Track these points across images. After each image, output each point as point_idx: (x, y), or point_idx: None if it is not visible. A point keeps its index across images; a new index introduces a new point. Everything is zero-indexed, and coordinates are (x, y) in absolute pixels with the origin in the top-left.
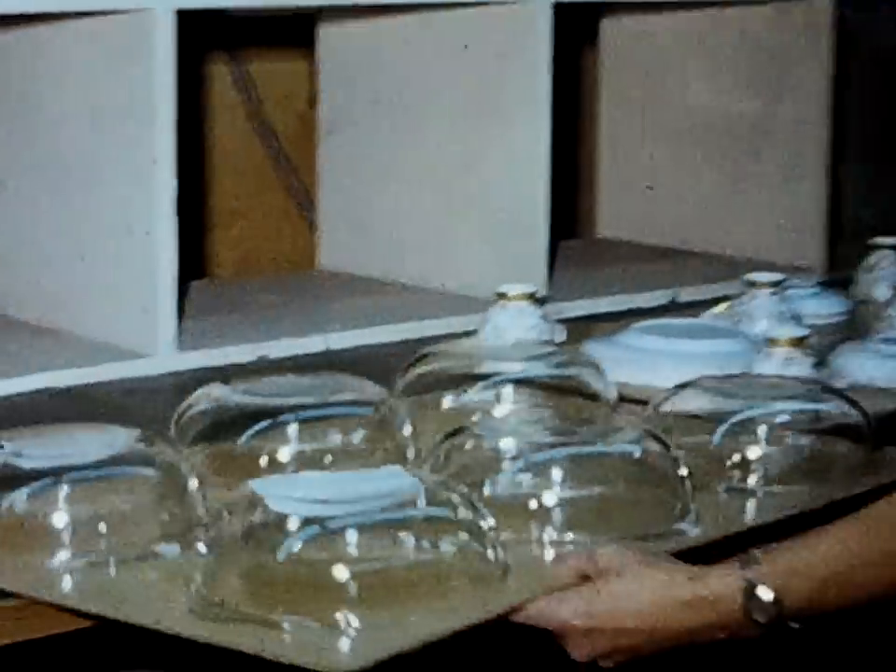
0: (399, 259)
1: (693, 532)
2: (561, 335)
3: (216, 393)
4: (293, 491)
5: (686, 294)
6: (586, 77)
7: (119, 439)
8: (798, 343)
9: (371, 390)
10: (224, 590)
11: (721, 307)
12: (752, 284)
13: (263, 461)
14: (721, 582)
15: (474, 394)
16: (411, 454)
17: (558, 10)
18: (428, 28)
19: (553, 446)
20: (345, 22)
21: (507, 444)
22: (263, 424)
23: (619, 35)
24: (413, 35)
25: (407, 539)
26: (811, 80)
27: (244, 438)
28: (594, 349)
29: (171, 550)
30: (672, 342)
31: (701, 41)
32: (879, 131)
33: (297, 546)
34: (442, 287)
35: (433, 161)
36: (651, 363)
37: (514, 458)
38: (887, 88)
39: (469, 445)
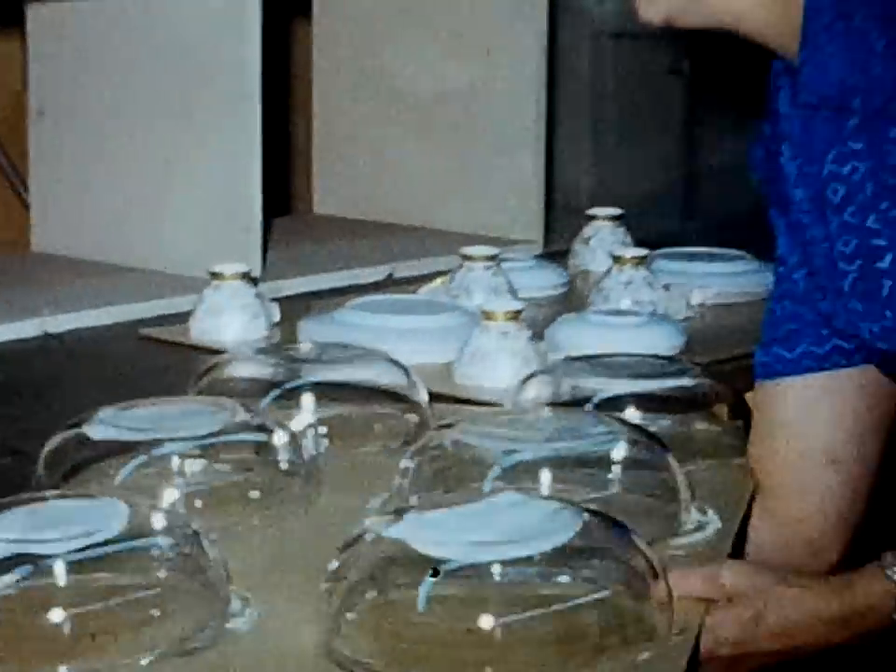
0: (114, 241)
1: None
2: (275, 314)
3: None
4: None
5: (403, 269)
6: (299, 51)
7: None
8: (514, 316)
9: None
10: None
11: (438, 281)
12: (468, 258)
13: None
14: (870, 592)
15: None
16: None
17: None
18: (135, 8)
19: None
20: (53, 3)
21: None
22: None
23: (329, 7)
24: (121, 16)
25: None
26: (525, 50)
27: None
28: (310, 328)
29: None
30: (388, 318)
31: (412, 13)
32: (594, 100)
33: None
34: (161, 268)
35: (145, 141)
36: (368, 340)
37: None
38: (599, 56)
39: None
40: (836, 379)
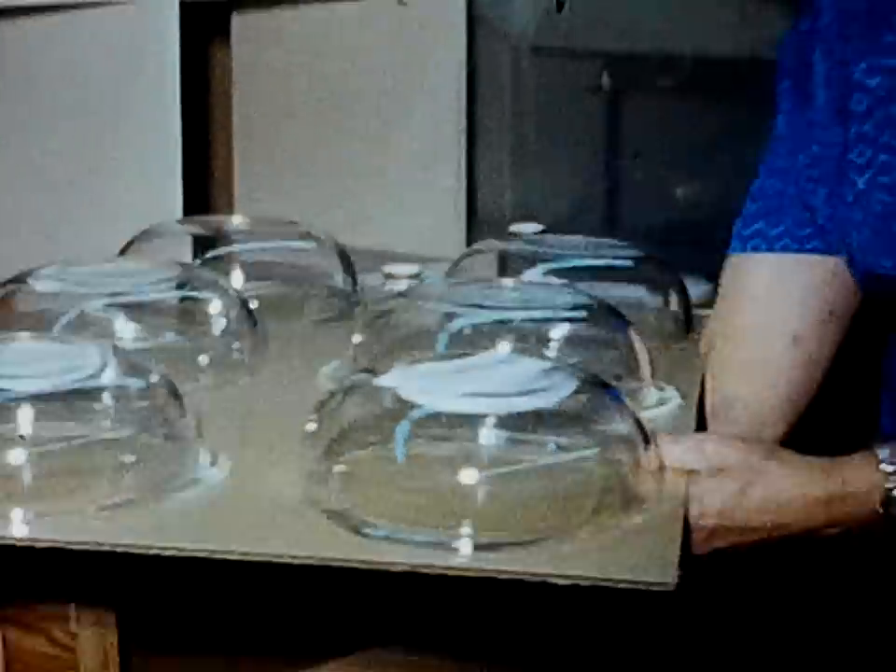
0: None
1: None
2: None
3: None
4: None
5: None
6: (219, 72)
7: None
8: None
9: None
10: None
11: None
12: (390, 276)
13: None
14: (860, 478)
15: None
16: None
17: (185, 9)
18: (56, 28)
19: None
20: None
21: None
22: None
23: (250, 31)
24: (40, 35)
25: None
26: (444, 66)
27: None
28: None
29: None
30: None
31: (331, 31)
32: (514, 116)
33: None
34: None
35: (63, 163)
36: None
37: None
38: (519, 71)
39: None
40: (810, 261)
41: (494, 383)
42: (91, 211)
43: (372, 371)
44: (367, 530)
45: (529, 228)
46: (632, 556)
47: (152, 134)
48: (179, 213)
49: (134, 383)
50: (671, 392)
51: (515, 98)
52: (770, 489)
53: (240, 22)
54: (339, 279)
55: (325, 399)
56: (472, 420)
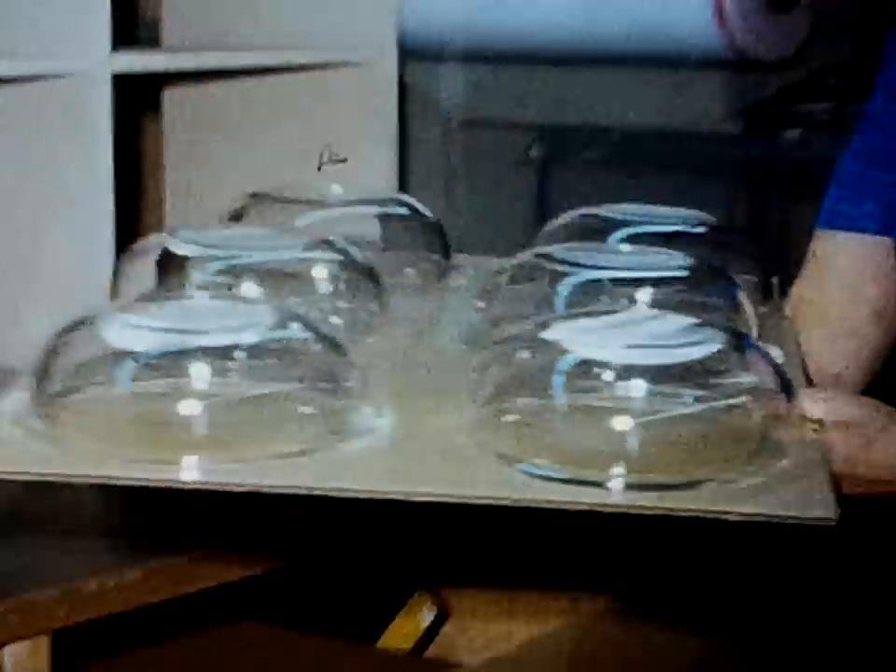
0: None
1: None
2: None
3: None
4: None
5: None
6: (150, 146)
7: None
8: None
9: None
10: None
11: None
12: None
13: None
14: None
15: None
16: None
17: (118, 81)
18: None
19: None
20: None
21: None
22: None
23: (182, 104)
24: None
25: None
26: (376, 138)
27: None
28: None
29: None
30: None
31: (261, 104)
32: (446, 188)
33: None
34: (18, 364)
35: None
36: None
37: None
38: (449, 143)
39: None
40: (889, 243)
41: (648, 336)
42: (23, 285)
43: (534, 326)
44: (533, 471)
45: None
46: (789, 495)
47: (84, 208)
48: (108, 286)
49: (303, 339)
50: (777, 351)
51: (446, 169)
52: (889, 448)
53: (171, 95)
54: (436, 247)
55: (488, 352)
56: (631, 369)
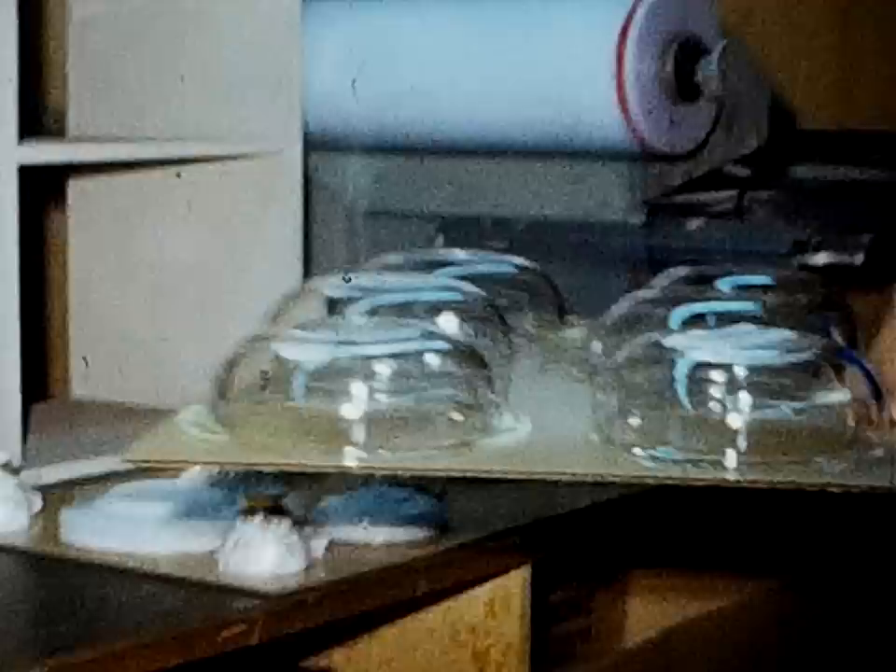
0: None
1: None
2: (37, 503)
3: None
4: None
5: None
6: (55, 234)
7: None
8: (276, 501)
9: None
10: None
11: (198, 467)
12: None
13: None
14: None
15: None
16: None
17: (23, 173)
18: None
19: None
20: None
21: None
22: None
23: (87, 195)
24: None
25: None
26: (279, 228)
27: None
28: (72, 518)
29: None
30: (151, 505)
31: (166, 194)
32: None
33: None
34: None
35: None
36: (130, 530)
37: None
38: (353, 234)
39: None
40: None
41: (756, 343)
42: None
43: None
44: (658, 455)
45: None
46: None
47: None
48: (16, 380)
49: (450, 352)
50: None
51: (350, 261)
52: None
53: (76, 186)
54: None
55: (614, 361)
56: (741, 370)
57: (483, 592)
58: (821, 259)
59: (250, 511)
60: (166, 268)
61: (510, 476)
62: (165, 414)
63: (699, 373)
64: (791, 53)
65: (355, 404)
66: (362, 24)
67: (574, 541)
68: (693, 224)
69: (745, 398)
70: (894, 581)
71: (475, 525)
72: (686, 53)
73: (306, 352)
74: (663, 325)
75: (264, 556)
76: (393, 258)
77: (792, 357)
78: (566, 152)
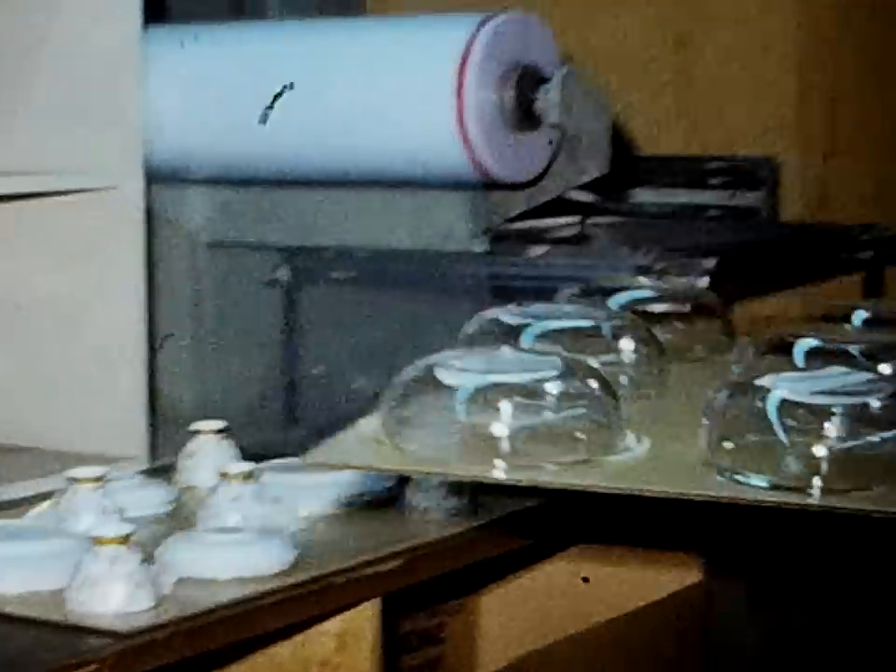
0: None
1: None
2: None
3: None
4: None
5: (5, 493)
6: None
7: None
8: (123, 540)
9: None
10: None
11: (45, 505)
12: (73, 479)
13: None
14: None
15: None
16: None
17: None
18: None
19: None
20: None
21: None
22: None
23: None
24: None
25: None
26: (123, 262)
27: None
28: None
29: None
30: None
31: (12, 233)
32: (193, 312)
33: None
34: None
35: None
36: None
37: None
38: (196, 266)
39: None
40: None
41: (840, 384)
42: None
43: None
44: (744, 480)
45: (212, 425)
46: None
47: None
48: None
49: (582, 381)
50: None
51: (194, 293)
52: None
53: None
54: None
55: (714, 397)
56: (827, 408)
57: (333, 625)
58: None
59: (98, 549)
60: (9, 301)
61: (622, 492)
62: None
63: (790, 408)
64: (630, 80)
65: (502, 423)
66: (202, 58)
67: (425, 571)
68: (537, 251)
69: (830, 429)
70: None
71: (325, 560)
72: (526, 82)
73: (461, 378)
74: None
75: (113, 594)
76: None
77: (875, 395)
78: (409, 182)
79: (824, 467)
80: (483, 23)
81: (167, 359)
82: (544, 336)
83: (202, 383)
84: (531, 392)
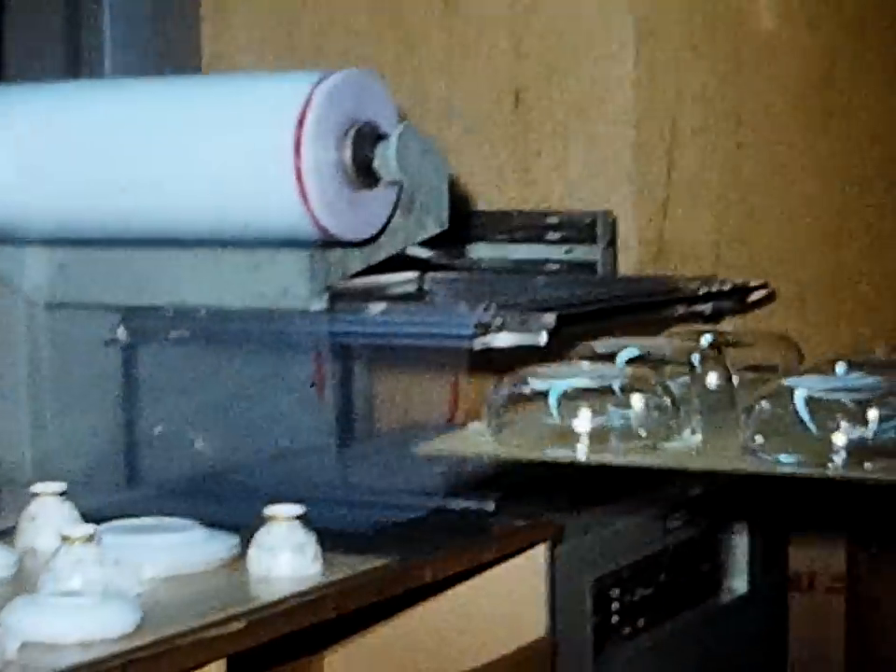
0: None
1: None
2: None
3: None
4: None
5: None
6: None
7: None
8: None
9: None
10: None
11: None
12: None
13: None
14: None
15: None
16: None
17: None
18: None
19: None
20: None
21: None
22: None
23: None
24: None
25: None
26: None
27: None
28: None
29: None
30: None
31: None
32: (31, 373)
33: None
34: None
35: None
36: None
37: None
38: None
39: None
40: None
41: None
42: None
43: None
44: (772, 457)
45: (52, 487)
46: None
47: None
48: None
49: (652, 390)
50: None
51: (30, 354)
52: None
53: None
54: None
55: (751, 402)
56: (857, 401)
57: None
58: (504, 340)
59: None
60: None
61: (672, 468)
62: None
63: (813, 404)
64: (468, 135)
65: (583, 420)
66: (37, 116)
67: (270, 631)
68: (376, 308)
69: (845, 421)
70: None
71: (169, 622)
72: (364, 139)
73: (550, 383)
74: None
75: None
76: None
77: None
78: (248, 241)
79: (844, 448)
80: (319, 81)
81: (4, 422)
82: (631, 362)
83: (40, 444)
84: (605, 394)
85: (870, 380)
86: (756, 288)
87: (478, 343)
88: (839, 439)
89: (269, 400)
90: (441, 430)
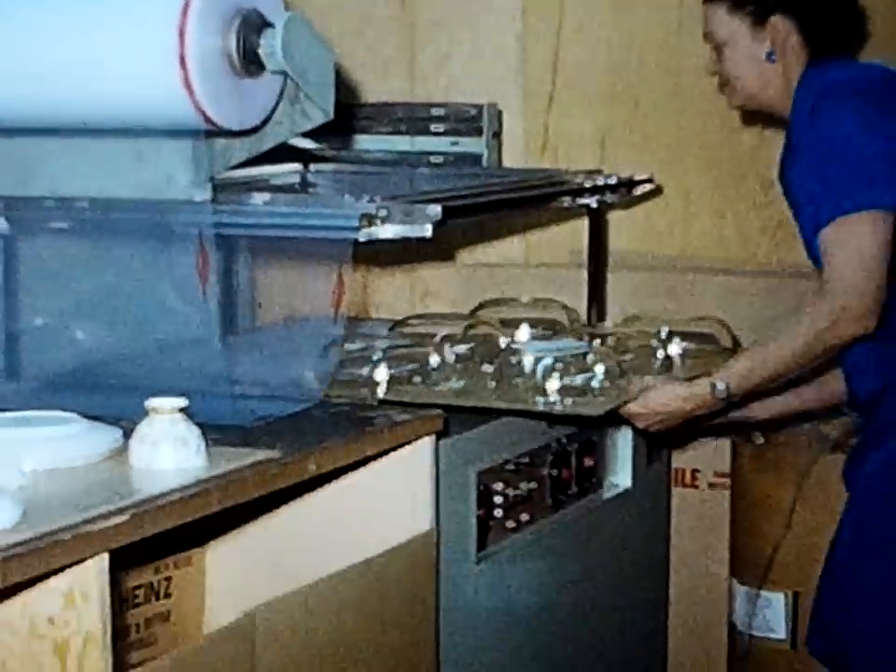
0: None
1: None
2: None
3: None
4: None
5: None
6: None
7: None
8: None
9: None
10: None
11: None
12: None
13: None
14: (700, 384)
15: None
16: None
17: None
18: None
19: None
20: None
21: None
22: None
23: None
24: None
25: None
26: None
27: None
28: None
29: None
30: None
31: None
32: None
33: None
34: None
35: None
36: None
37: None
38: None
39: None
40: None
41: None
42: None
43: None
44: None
45: None
46: None
47: None
48: None
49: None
50: None
51: None
52: (659, 393)
53: None
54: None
55: (498, 362)
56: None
57: (60, 582)
58: (389, 231)
59: None
60: None
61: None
62: None
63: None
64: (353, 28)
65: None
66: None
67: (152, 525)
68: (260, 199)
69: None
70: None
71: (51, 516)
72: (249, 27)
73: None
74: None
75: None
76: None
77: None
78: (132, 130)
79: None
80: None
81: None
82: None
83: None
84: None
85: (581, 343)
86: (641, 182)
87: (363, 235)
88: (551, 384)
89: (151, 292)
90: (324, 323)
